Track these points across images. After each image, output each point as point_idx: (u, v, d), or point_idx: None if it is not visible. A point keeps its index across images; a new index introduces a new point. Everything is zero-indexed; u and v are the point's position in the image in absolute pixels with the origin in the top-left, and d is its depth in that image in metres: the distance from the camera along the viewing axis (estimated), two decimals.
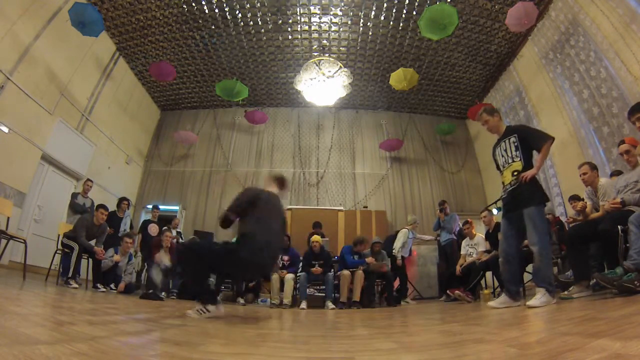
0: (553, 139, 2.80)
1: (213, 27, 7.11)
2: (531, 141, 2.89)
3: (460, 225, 6.05)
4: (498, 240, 4.69)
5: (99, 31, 5.76)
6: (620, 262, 2.52)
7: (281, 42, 7.57)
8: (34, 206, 5.78)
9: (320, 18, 6.99)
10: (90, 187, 6.01)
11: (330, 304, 4.72)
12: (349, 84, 7.39)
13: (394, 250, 5.77)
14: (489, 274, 5.12)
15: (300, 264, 5.16)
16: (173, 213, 8.13)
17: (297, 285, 4.94)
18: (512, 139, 2.95)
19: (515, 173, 2.89)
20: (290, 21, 7.06)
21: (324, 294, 5.12)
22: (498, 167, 3.17)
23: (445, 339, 1.42)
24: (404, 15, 6.77)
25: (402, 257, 5.80)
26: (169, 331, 1.52)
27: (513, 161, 2.92)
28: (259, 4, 6.65)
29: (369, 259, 5.19)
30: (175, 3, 6.55)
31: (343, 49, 7.72)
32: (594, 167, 3.60)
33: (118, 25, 6.94)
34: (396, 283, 5.80)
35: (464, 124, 9.89)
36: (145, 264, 5.59)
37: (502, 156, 3.02)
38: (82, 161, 6.85)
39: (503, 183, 3.04)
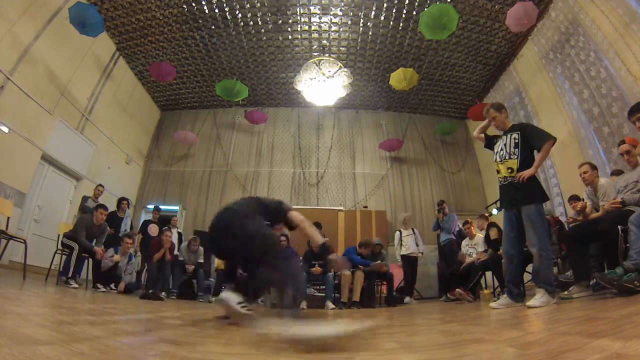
0: (554, 139, 2.77)
1: (213, 27, 7.11)
2: (532, 140, 2.88)
3: (460, 225, 6.08)
4: (492, 239, 4.74)
5: (98, 32, 5.76)
6: (620, 262, 2.51)
7: (281, 42, 7.57)
8: (34, 206, 5.78)
9: (320, 18, 6.99)
10: (101, 192, 6.06)
11: (330, 304, 4.72)
12: (349, 84, 7.39)
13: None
14: (489, 274, 5.13)
15: (300, 264, 5.17)
16: (173, 213, 8.13)
17: None
18: (514, 136, 2.95)
19: (509, 170, 2.89)
20: (290, 21, 7.06)
21: (324, 294, 5.12)
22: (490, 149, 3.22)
23: (445, 339, 1.42)
24: (404, 15, 6.77)
25: (408, 256, 5.93)
26: (169, 331, 1.52)
27: (510, 158, 2.92)
28: (259, 4, 6.65)
29: (377, 263, 5.26)
30: (175, 3, 6.54)
31: (343, 49, 7.72)
32: (594, 167, 3.62)
33: (118, 25, 6.94)
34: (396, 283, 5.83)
35: (464, 124, 9.88)
36: (145, 264, 5.60)
37: (501, 149, 3.02)
38: (82, 161, 6.85)
39: (498, 171, 3.06)
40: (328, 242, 1.98)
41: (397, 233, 6.20)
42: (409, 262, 5.90)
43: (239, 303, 1.70)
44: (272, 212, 2.21)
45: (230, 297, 1.70)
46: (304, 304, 4.70)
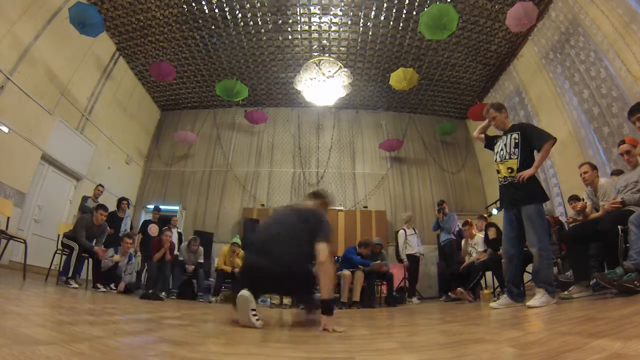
0: (555, 139, 2.77)
1: (213, 27, 7.11)
2: (532, 140, 2.88)
3: (460, 225, 6.08)
4: (490, 239, 4.74)
5: (98, 32, 5.76)
6: (620, 262, 2.51)
7: (281, 42, 7.57)
8: (34, 206, 5.78)
9: (320, 18, 6.99)
10: (101, 192, 6.07)
11: None
12: (349, 84, 7.39)
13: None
14: (489, 274, 5.12)
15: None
16: (173, 213, 8.13)
17: None
18: (514, 136, 2.95)
19: (509, 170, 2.89)
20: (290, 21, 7.06)
21: None
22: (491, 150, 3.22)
23: (445, 339, 1.42)
24: (404, 15, 6.76)
25: (413, 255, 5.93)
26: (169, 331, 1.52)
27: (510, 158, 2.92)
28: (259, 4, 6.65)
29: (376, 263, 5.26)
30: (175, 3, 6.54)
31: (343, 49, 7.72)
32: (594, 167, 3.62)
33: (118, 25, 6.94)
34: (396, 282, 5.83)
35: (464, 124, 9.88)
36: (145, 264, 5.60)
37: (501, 149, 3.02)
38: (82, 161, 6.85)
39: (498, 171, 3.06)
40: (334, 301, 2.11)
41: (402, 232, 6.17)
42: (413, 262, 5.90)
43: (253, 310, 1.72)
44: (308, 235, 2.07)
45: (250, 302, 1.72)
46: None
